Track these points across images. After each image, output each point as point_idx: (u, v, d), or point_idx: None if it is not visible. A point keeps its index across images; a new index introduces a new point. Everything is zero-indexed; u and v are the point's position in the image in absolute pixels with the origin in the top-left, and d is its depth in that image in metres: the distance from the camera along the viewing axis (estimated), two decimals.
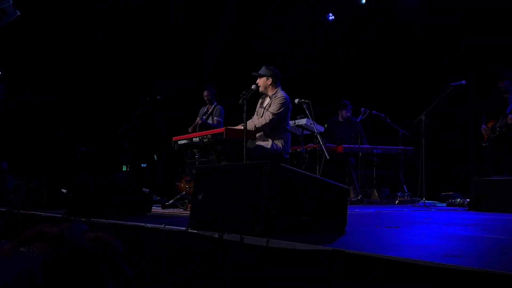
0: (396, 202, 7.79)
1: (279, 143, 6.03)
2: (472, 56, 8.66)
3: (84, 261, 0.81)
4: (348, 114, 9.10)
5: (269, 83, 6.19)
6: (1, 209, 6.64)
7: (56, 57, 10.57)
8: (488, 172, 7.65)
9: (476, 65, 8.42)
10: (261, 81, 6.21)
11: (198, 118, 8.35)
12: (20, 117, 10.77)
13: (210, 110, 8.24)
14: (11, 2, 5.06)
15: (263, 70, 6.25)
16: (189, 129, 7.99)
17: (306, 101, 6.56)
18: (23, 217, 5.73)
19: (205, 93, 8.36)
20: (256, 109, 6.47)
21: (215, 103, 8.31)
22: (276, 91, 6.20)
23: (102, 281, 0.83)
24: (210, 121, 8.08)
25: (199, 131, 7.21)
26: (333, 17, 11.04)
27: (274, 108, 6.02)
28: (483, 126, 7.93)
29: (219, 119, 8.08)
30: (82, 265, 0.81)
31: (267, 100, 6.25)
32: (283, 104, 6.03)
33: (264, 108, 6.19)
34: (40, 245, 0.78)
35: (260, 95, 6.44)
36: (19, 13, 5.17)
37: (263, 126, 5.99)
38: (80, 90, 10.75)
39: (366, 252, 1.91)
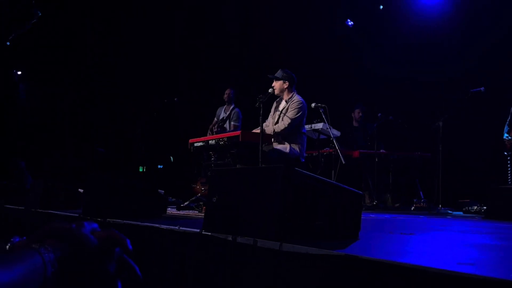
0: (412, 209, 7.74)
1: (296, 147, 6.04)
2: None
3: (93, 259, 0.82)
4: (361, 114, 9.05)
5: (285, 86, 6.21)
6: (19, 208, 6.72)
7: (75, 57, 10.67)
8: (508, 181, 7.56)
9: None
10: (277, 84, 6.21)
11: (215, 119, 8.36)
12: (40, 117, 10.89)
13: (227, 113, 8.21)
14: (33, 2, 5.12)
15: (279, 73, 6.26)
16: (208, 132, 8.01)
17: (323, 105, 6.56)
18: (40, 216, 5.79)
19: (227, 91, 8.31)
20: (271, 113, 6.48)
21: (233, 105, 8.26)
22: (292, 95, 6.21)
23: (110, 279, 0.84)
24: (227, 125, 8.07)
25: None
26: (352, 23, 11.00)
27: (292, 113, 6.04)
28: (506, 135, 7.84)
29: (236, 123, 8.04)
30: (91, 263, 0.82)
31: (283, 104, 6.26)
32: (300, 109, 6.05)
33: (281, 112, 6.19)
34: (51, 241, 0.80)
35: (275, 98, 6.44)
36: (40, 14, 5.24)
37: (282, 131, 6.00)
38: (99, 91, 10.84)
39: (379, 258, 1.90)
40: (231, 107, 8.21)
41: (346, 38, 10.97)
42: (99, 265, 0.83)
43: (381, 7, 10.34)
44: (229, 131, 7.77)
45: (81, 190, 6.44)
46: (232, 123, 8.04)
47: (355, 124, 9.12)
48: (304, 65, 10.59)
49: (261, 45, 11.24)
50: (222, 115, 8.29)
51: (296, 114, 6.02)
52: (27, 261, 0.74)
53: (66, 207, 6.28)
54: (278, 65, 6.60)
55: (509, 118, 7.88)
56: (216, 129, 7.93)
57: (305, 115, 6.19)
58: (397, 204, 8.32)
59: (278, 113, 6.27)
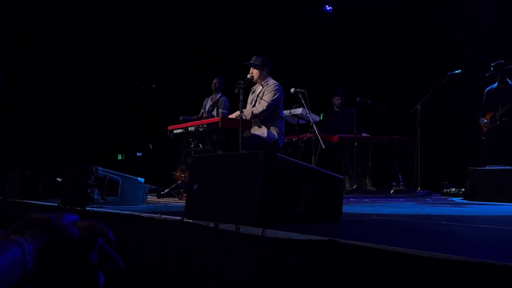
0: (391, 192, 7.81)
1: (274, 130, 6.10)
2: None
3: (74, 250, 0.81)
4: (340, 101, 9.08)
5: (264, 73, 6.31)
6: None
7: (52, 45, 10.51)
8: (486, 163, 7.65)
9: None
10: (256, 71, 6.30)
11: (202, 110, 8.35)
12: (16, 106, 10.73)
13: (214, 101, 8.22)
14: None
15: (257, 60, 6.31)
16: (180, 118, 7.97)
17: (302, 90, 6.57)
18: (18, 206, 5.72)
19: (215, 80, 8.33)
20: (249, 101, 6.53)
21: (220, 94, 8.27)
22: (268, 79, 6.32)
23: (92, 270, 0.83)
24: (214, 113, 8.07)
25: None
26: (331, 8, 10.99)
27: (268, 95, 6.13)
28: (481, 119, 7.92)
29: (224, 111, 8.05)
30: (72, 254, 0.80)
31: (259, 88, 6.36)
32: (277, 91, 6.16)
33: (258, 96, 6.28)
34: (31, 232, 0.78)
35: (252, 85, 6.51)
36: None
37: (260, 113, 6.07)
38: (76, 79, 10.70)
39: (361, 242, 1.91)
40: (218, 96, 8.22)
41: (325, 23, 10.96)
42: (80, 256, 0.82)
43: None
44: None
45: (59, 180, 6.38)
46: (220, 110, 8.04)
47: (336, 109, 9.16)
48: (284, 50, 10.58)
49: (240, 31, 11.18)
50: (209, 104, 8.28)
51: (273, 96, 6.12)
52: (6, 252, 0.73)
53: (44, 197, 6.22)
54: (256, 51, 6.61)
55: (484, 102, 7.97)
56: (204, 118, 7.90)
57: (282, 97, 6.27)
58: (377, 188, 8.38)
59: (255, 98, 6.35)
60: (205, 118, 7.81)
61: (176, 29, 11.21)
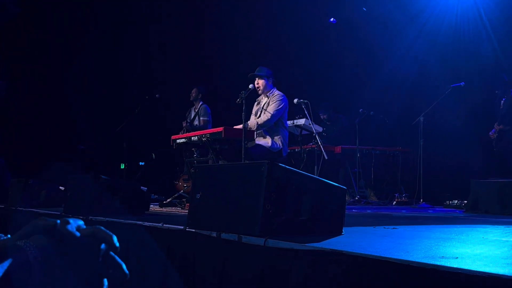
0: (393, 203, 7.79)
1: (278, 140, 6.12)
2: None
3: (78, 256, 0.81)
4: (326, 115, 9.09)
5: (270, 83, 6.36)
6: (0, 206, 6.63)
7: (55, 54, 10.55)
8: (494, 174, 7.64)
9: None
10: (261, 81, 6.32)
11: (184, 121, 8.38)
12: (18, 114, 10.76)
13: (196, 111, 8.28)
14: None
15: (263, 71, 6.34)
16: (181, 132, 8.00)
17: (305, 101, 6.59)
18: (21, 214, 5.72)
19: (193, 90, 8.40)
20: (253, 112, 6.55)
21: (201, 102, 8.31)
22: (273, 90, 6.36)
23: (96, 276, 0.83)
24: (196, 121, 8.11)
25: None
26: (335, 20, 11.02)
27: (273, 106, 6.17)
28: (493, 130, 7.90)
29: (205, 118, 8.08)
30: (76, 260, 0.81)
31: (265, 99, 6.38)
32: (281, 101, 6.21)
33: (262, 108, 6.29)
34: (36, 238, 0.79)
35: (256, 95, 6.54)
36: (20, 10, 5.18)
37: (264, 122, 6.10)
38: (79, 87, 10.73)
39: (363, 253, 1.91)
40: (199, 104, 8.27)
41: (328, 35, 10.99)
42: (84, 262, 0.82)
43: (364, 9, 10.36)
44: (199, 127, 7.83)
45: (62, 188, 6.39)
46: (201, 118, 8.09)
47: (327, 122, 9.17)
48: (287, 61, 10.60)
49: (241, 41, 11.21)
50: (193, 113, 8.35)
51: (278, 106, 6.16)
52: (12, 258, 0.73)
53: (47, 205, 6.22)
54: (259, 61, 6.65)
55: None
56: (185, 127, 7.94)
57: (287, 108, 6.31)
58: (379, 199, 8.37)
59: (260, 109, 6.36)
60: (187, 128, 7.83)
61: (177, 37, 11.25)
